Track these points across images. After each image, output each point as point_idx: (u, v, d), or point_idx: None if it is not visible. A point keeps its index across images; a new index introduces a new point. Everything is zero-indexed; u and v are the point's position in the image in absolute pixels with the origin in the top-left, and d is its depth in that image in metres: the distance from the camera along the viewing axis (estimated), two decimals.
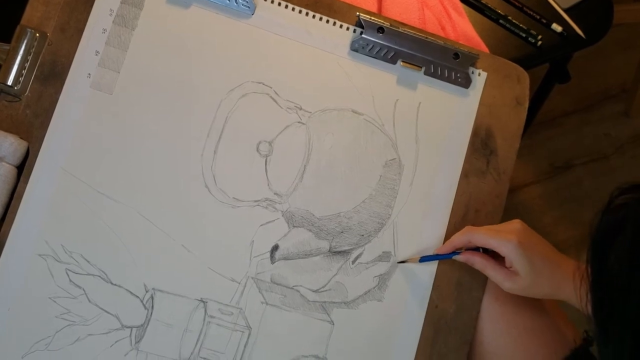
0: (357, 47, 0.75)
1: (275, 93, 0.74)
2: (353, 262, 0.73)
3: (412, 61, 0.75)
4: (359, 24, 0.75)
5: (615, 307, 0.49)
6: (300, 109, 0.74)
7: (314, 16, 0.75)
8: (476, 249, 0.70)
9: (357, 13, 0.75)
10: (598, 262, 0.51)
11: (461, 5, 0.88)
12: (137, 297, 0.70)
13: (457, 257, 0.71)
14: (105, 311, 0.69)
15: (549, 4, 0.93)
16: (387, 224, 0.74)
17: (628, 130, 1.53)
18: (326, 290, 0.73)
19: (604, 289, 0.50)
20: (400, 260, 0.73)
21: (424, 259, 0.72)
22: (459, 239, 0.70)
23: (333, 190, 0.73)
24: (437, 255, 0.72)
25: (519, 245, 0.66)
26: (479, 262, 0.69)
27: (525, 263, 0.66)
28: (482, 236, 0.68)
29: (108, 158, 0.71)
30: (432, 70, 0.75)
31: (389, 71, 0.75)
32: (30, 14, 0.71)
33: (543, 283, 0.67)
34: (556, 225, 1.45)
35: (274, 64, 0.74)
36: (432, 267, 0.74)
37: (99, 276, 0.70)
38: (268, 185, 0.73)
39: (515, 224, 0.68)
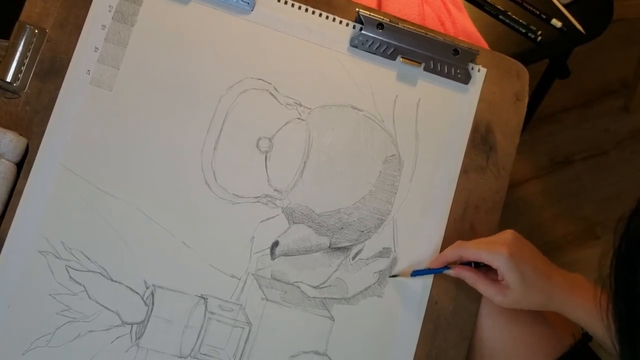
0: (356, 43, 0.74)
1: (275, 89, 0.74)
2: (353, 258, 0.73)
3: (412, 57, 0.75)
4: (359, 20, 0.75)
5: None
6: (300, 105, 0.74)
7: (313, 12, 0.74)
8: (468, 262, 0.70)
9: (357, 9, 0.75)
10: (625, 274, 0.47)
11: (460, 1, 0.88)
12: (138, 293, 0.70)
13: (447, 272, 0.70)
14: (106, 308, 0.69)
15: None
16: (387, 220, 0.74)
17: (628, 125, 1.53)
18: (326, 287, 0.73)
19: (633, 303, 0.47)
20: (392, 274, 0.73)
21: (415, 273, 0.72)
22: (450, 253, 0.70)
23: (333, 186, 0.73)
24: (429, 269, 0.72)
25: (510, 257, 0.65)
26: (469, 277, 0.69)
27: (516, 276, 0.65)
28: (473, 250, 0.68)
29: (108, 154, 0.71)
30: (432, 67, 0.75)
31: (388, 67, 0.75)
32: (29, 10, 0.71)
33: (534, 295, 0.67)
34: (556, 221, 1.45)
35: (273, 60, 0.74)
36: None
37: (99, 273, 0.70)
38: (268, 181, 0.73)
39: (507, 235, 0.68)
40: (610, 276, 0.48)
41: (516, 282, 0.66)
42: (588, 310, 0.66)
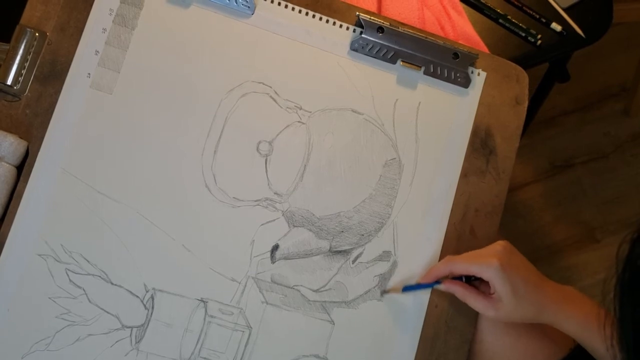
0: (356, 47, 0.75)
1: (275, 93, 0.74)
2: (353, 261, 0.73)
3: (412, 61, 0.75)
4: (359, 23, 0.75)
5: None
6: (300, 108, 0.74)
7: (313, 16, 0.75)
8: (459, 277, 0.69)
9: (357, 13, 0.75)
10: (630, 304, 0.46)
11: (460, 5, 0.88)
12: (137, 297, 0.70)
13: (438, 287, 0.70)
14: (106, 311, 0.69)
15: (549, 3, 0.93)
16: (387, 224, 0.74)
17: (628, 129, 1.53)
18: (326, 290, 0.73)
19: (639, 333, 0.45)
20: (383, 290, 0.73)
21: (406, 289, 0.72)
22: (441, 268, 0.70)
23: (333, 189, 0.73)
24: (419, 285, 0.72)
25: (501, 268, 0.65)
26: (459, 291, 0.68)
27: (507, 287, 0.65)
28: (463, 264, 0.68)
29: (108, 158, 0.71)
30: (432, 70, 0.75)
31: (388, 71, 0.75)
32: (30, 14, 0.71)
33: (525, 307, 0.66)
34: (556, 224, 1.45)
35: (273, 64, 0.74)
36: None
37: (99, 276, 0.70)
38: (268, 184, 0.73)
39: (497, 246, 0.67)
40: (615, 304, 0.47)
41: (507, 294, 0.65)
42: (579, 322, 0.65)
